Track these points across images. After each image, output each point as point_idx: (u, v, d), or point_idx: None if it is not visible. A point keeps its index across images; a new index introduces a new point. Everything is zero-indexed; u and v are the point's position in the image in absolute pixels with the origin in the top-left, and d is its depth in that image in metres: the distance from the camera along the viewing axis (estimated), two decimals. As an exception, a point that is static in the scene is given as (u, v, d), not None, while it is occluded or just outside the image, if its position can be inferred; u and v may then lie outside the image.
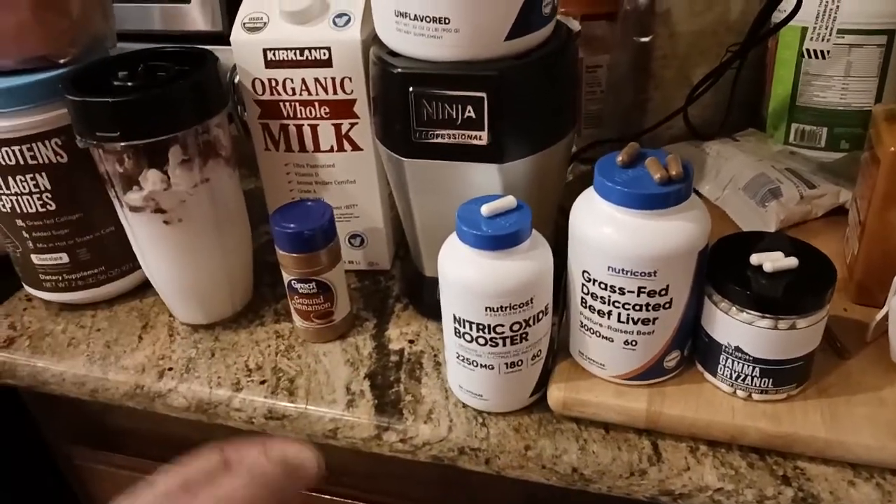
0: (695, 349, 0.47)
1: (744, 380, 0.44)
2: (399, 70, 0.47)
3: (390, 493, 0.59)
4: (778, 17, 0.64)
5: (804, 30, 0.64)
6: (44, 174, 0.55)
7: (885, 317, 0.46)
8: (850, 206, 0.57)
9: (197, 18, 0.91)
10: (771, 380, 0.44)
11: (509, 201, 0.44)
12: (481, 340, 0.45)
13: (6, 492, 0.68)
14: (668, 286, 0.42)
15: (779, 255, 0.43)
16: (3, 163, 0.54)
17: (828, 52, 0.62)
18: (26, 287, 0.62)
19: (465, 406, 0.49)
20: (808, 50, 0.64)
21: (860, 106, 0.64)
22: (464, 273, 0.44)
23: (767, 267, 0.43)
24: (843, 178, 0.61)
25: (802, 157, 0.66)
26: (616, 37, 0.72)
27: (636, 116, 0.73)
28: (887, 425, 0.43)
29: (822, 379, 0.46)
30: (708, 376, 0.47)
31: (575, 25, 0.68)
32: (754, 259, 0.43)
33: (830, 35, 0.61)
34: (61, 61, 0.55)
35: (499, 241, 0.43)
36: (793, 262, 0.43)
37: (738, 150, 0.66)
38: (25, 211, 0.56)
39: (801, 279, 0.42)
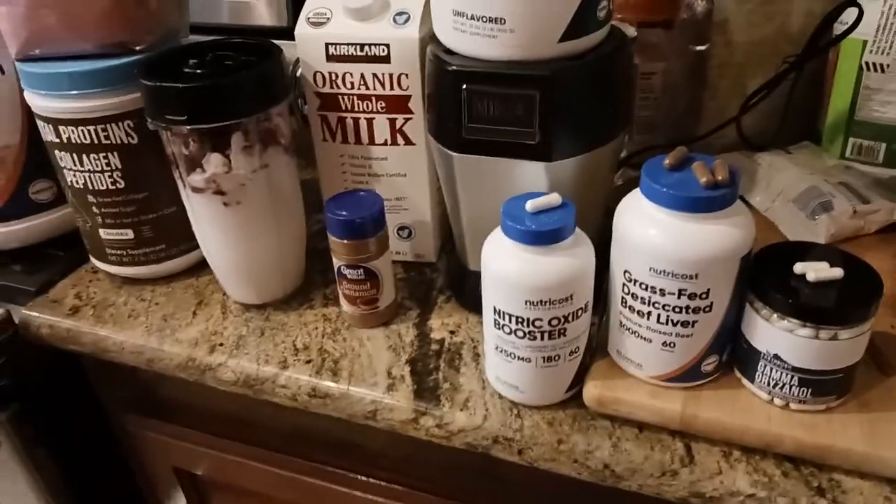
0: (733, 355, 0.47)
1: (782, 388, 0.44)
2: (454, 67, 0.48)
3: (425, 478, 0.60)
4: (839, 28, 0.63)
5: (865, 42, 0.63)
6: (115, 154, 0.59)
7: (933, 335, 0.46)
8: (905, 222, 0.56)
9: (263, 13, 0.94)
10: (809, 390, 0.44)
11: (554, 198, 0.45)
12: (520, 333, 0.46)
13: (66, 453, 0.72)
14: (708, 290, 0.43)
15: (824, 265, 0.43)
16: (80, 141, 0.58)
17: (887, 65, 0.61)
18: (93, 259, 0.66)
19: (501, 397, 0.51)
20: (867, 63, 0.63)
21: (922, 122, 0.63)
22: (506, 266, 0.45)
23: (811, 276, 0.43)
24: (901, 194, 0.60)
25: (857, 171, 0.65)
26: (672, 44, 0.72)
27: (689, 124, 0.73)
28: (928, 443, 0.42)
29: (863, 393, 0.46)
30: (745, 382, 0.47)
31: (631, 32, 0.69)
32: (798, 268, 0.43)
33: (891, 48, 0.60)
34: (137, 48, 0.58)
35: (541, 236, 0.44)
36: (838, 272, 0.43)
37: (790, 162, 0.66)
38: (97, 188, 0.60)
39: (846, 290, 0.42)
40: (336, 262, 0.56)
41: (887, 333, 0.50)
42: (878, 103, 0.65)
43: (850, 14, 0.60)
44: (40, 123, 0.59)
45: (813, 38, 0.62)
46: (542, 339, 0.46)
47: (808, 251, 0.46)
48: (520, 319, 0.46)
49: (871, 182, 0.63)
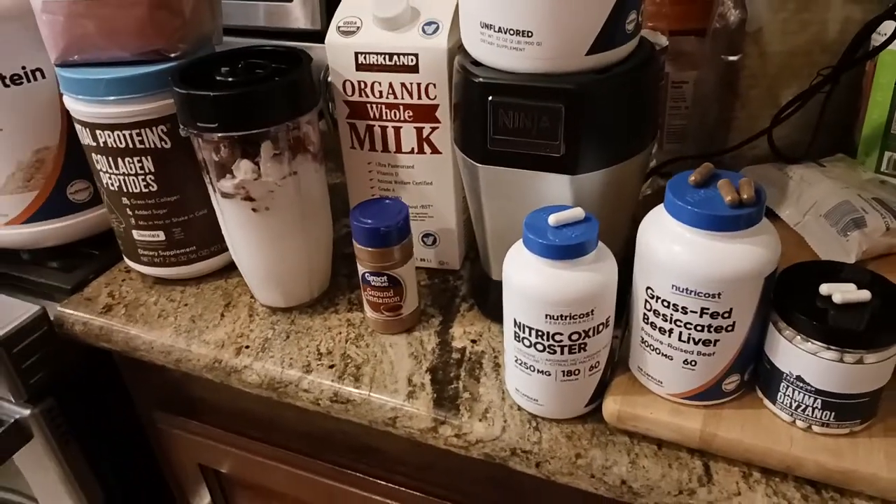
0: (756, 375, 0.47)
1: (804, 410, 0.44)
2: (480, 79, 0.48)
3: (443, 485, 0.61)
4: (877, 39, 0.62)
5: (904, 55, 0.61)
6: (149, 158, 0.60)
7: (965, 360, 0.45)
8: (940, 242, 0.55)
9: (298, 17, 0.95)
10: (833, 413, 0.43)
11: (577, 213, 0.45)
12: (539, 347, 0.46)
13: (97, 448, 0.74)
14: (731, 309, 0.42)
15: (851, 286, 0.43)
16: (115, 145, 0.59)
17: (926, 80, 0.60)
18: (126, 259, 0.68)
19: (520, 409, 0.51)
20: (906, 77, 0.61)
21: (961, 137, 0.61)
22: (527, 279, 0.45)
23: (837, 298, 0.42)
24: (936, 211, 0.59)
25: (893, 187, 0.64)
26: (704, 53, 0.71)
27: (720, 134, 0.72)
28: (955, 472, 0.41)
29: (889, 417, 0.45)
30: (767, 403, 0.46)
31: (662, 41, 0.68)
32: (824, 289, 0.43)
33: (929, 64, 0.59)
34: (172, 55, 0.60)
35: (563, 251, 0.44)
36: (865, 294, 0.42)
37: (823, 175, 0.65)
38: (131, 190, 0.61)
39: (873, 313, 0.42)
40: (361, 269, 0.57)
41: (917, 356, 0.49)
42: (916, 117, 0.63)
43: (889, 25, 0.59)
44: (78, 127, 0.61)
45: (849, 50, 0.61)
46: (562, 353, 0.46)
47: (835, 271, 0.45)
48: (540, 333, 0.46)
49: (906, 198, 0.61)
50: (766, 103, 0.68)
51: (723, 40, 0.69)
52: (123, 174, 0.61)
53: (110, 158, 0.60)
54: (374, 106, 0.59)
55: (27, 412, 0.67)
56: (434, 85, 0.57)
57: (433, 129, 0.59)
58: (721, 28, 0.68)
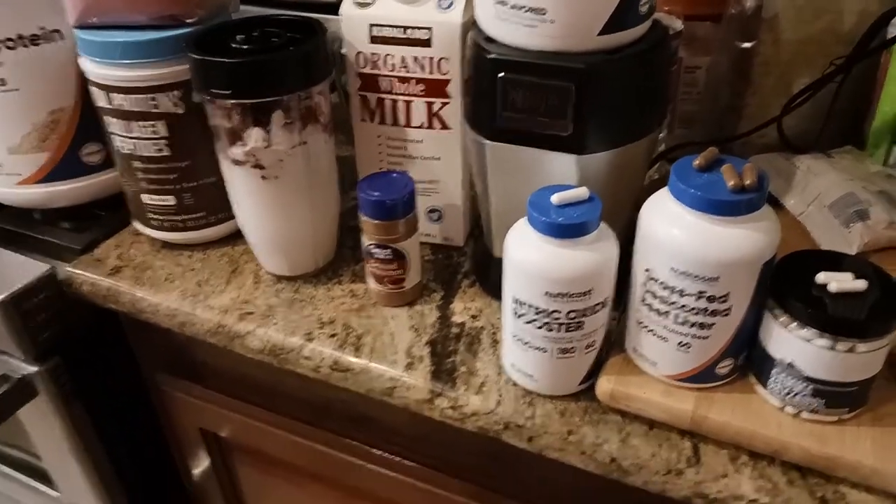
0: (749, 360, 0.48)
1: (794, 396, 0.44)
2: (492, 55, 0.49)
3: (437, 457, 0.62)
4: (892, 31, 0.62)
5: (919, 49, 0.61)
6: (163, 122, 0.61)
7: (958, 354, 0.45)
8: (942, 238, 0.55)
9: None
10: (823, 400, 0.44)
11: (581, 192, 0.46)
12: (537, 323, 0.47)
13: (101, 407, 0.76)
14: (728, 293, 0.43)
15: (848, 276, 0.43)
16: (130, 109, 0.60)
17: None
18: (135, 223, 0.69)
19: (515, 384, 0.52)
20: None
21: (972, 134, 0.61)
22: (528, 256, 0.46)
23: (833, 287, 0.42)
24: (942, 207, 0.59)
25: (901, 181, 0.64)
26: (718, 39, 0.71)
27: (731, 121, 0.72)
28: (941, 462, 0.42)
29: (879, 406, 0.45)
30: (759, 388, 0.47)
31: (677, 24, 0.68)
32: (821, 277, 0.43)
33: (942, 58, 0.59)
34: (188, 21, 0.60)
35: (565, 229, 0.44)
36: (861, 284, 0.42)
37: (830, 166, 0.65)
38: (143, 154, 0.62)
39: (868, 303, 0.42)
40: (365, 241, 0.57)
41: (912, 349, 0.50)
42: (927, 112, 0.63)
43: (904, 18, 0.58)
44: (93, 89, 0.61)
45: (863, 41, 0.61)
46: (560, 330, 0.47)
47: (833, 261, 0.45)
48: (538, 310, 0.46)
49: (913, 193, 0.61)
50: (777, 91, 0.68)
51: (738, 26, 0.68)
52: (136, 138, 0.61)
53: (124, 122, 0.61)
54: (386, 79, 0.59)
55: (34, 369, 0.69)
56: (446, 59, 0.57)
57: (444, 104, 0.59)
58: (737, 14, 0.68)
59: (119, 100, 0.60)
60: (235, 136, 0.56)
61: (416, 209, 0.57)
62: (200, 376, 0.72)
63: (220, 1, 0.63)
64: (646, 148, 0.53)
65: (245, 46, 0.55)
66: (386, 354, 0.55)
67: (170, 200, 0.64)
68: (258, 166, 0.56)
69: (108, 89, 0.60)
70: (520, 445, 0.51)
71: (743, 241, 0.42)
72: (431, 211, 0.65)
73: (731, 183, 0.41)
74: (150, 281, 0.64)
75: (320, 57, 0.56)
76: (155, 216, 0.66)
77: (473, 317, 0.58)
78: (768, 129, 0.67)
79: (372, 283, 0.60)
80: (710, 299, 0.43)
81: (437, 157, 0.62)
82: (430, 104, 0.59)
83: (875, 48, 0.61)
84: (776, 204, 0.65)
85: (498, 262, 0.58)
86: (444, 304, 0.60)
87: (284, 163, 0.56)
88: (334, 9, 0.59)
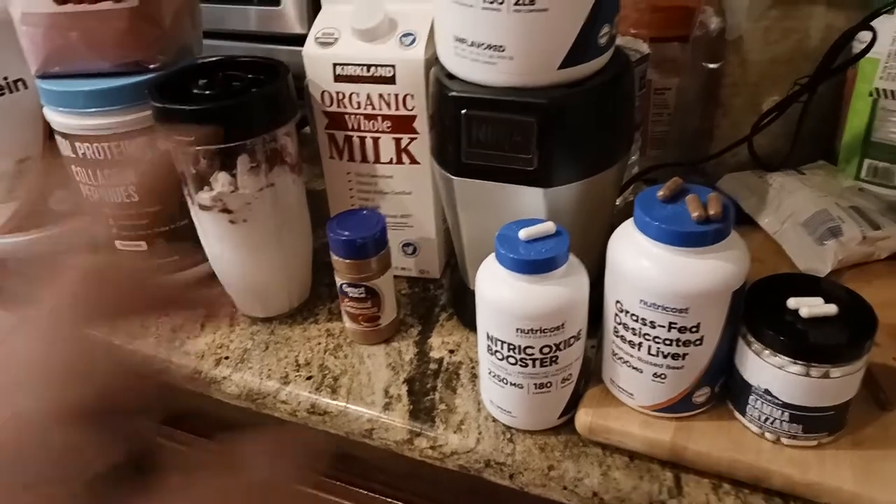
0: (727, 387, 0.47)
1: (773, 423, 0.44)
2: (454, 93, 0.49)
3: (421, 494, 0.61)
4: (857, 47, 0.62)
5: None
6: (130, 169, 0.60)
7: (933, 372, 0.45)
8: (914, 252, 0.55)
9: (288, 21, 0.95)
10: (801, 426, 0.43)
11: (548, 227, 0.46)
12: (511, 360, 0.46)
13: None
14: (699, 324, 0.43)
15: (818, 300, 0.43)
16: (95, 157, 0.60)
17: (898, 92, 0.60)
18: (109, 269, 0.68)
19: (495, 420, 0.51)
20: (878, 89, 0.61)
21: (939, 146, 0.62)
22: (498, 293, 0.45)
23: (804, 312, 0.42)
24: (914, 220, 0.59)
25: (872, 195, 0.64)
26: (687, 60, 0.71)
27: (702, 141, 0.73)
28: (921, 485, 0.41)
29: (859, 429, 0.45)
30: (737, 415, 0.46)
31: (643, 48, 0.69)
32: (791, 303, 0.43)
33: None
34: (151, 66, 0.60)
35: (533, 265, 0.44)
36: (832, 308, 0.42)
37: (802, 183, 0.65)
38: (111, 201, 0.62)
39: (839, 327, 0.42)
40: (339, 280, 0.57)
41: (889, 366, 0.49)
42: (894, 125, 0.63)
43: (867, 33, 0.59)
44: (58, 138, 0.61)
45: (826, 59, 0.61)
46: (534, 366, 0.46)
47: (806, 284, 0.45)
48: (511, 346, 0.46)
49: (884, 207, 0.62)
50: (747, 111, 0.68)
51: (704, 48, 0.69)
52: (104, 185, 0.61)
53: (90, 170, 0.60)
54: (352, 117, 0.59)
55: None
56: (412, 96, 0.57)
57: (411, 139, 0.59)
58: (702, 35, 0.68)
59: (84, 148, 0.59)
60: (202, 182, 0.55)
61: (388, 246, 0.57)
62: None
63: (183, 45, 0.62)
64: (614, 176, 0.53)
65: (207, 92, 0.55)
66: (363, 395, 0.54)
67: (142, 246, 0.64)
68: (226, 210, 0.56)
69: (72, 138, 0.59)
70: (502, 483, 0.50)
71: (710, 271, 0.41)
72: (406, 245, 0.65)
73: (695, 214, 0.41)
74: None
75: (284, 98, 0.56)
76: (127, 262, 0.65)
77: (451, 351, 0.58)
78: (741, 148, 0.67)
79: (347, 322, 0.59)
80: (682, 330, 0.43)
81: (409, 191, 0.62)
82: (398, 140, 0.59)
83: (836, 68, 0.61)
84: (751, 223, 0.65)
85: (473, 295, 0.57)
86: (422, 339, 0.59)
87: (252, 206, 0.56)
88: (303, 41, 0.59)
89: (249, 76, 0.57)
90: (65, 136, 0.60)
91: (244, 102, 0.53)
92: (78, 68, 0.60)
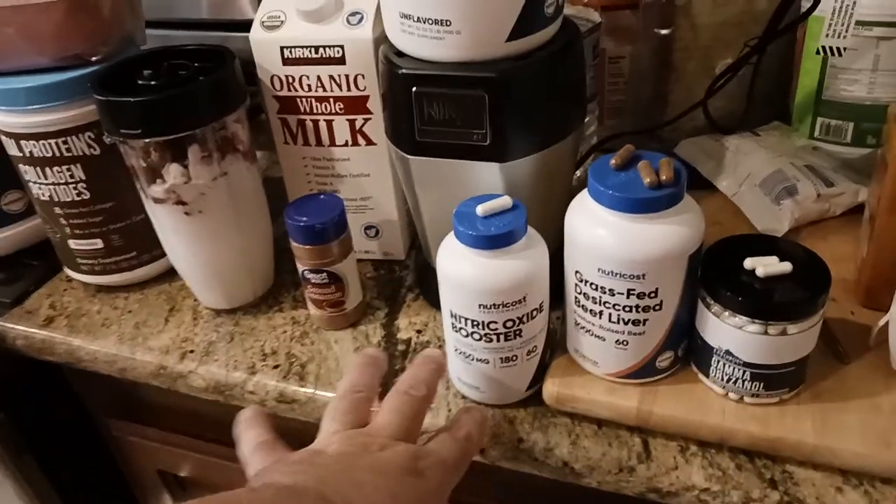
0: (690, 350, 0.48)
1: (735, 382, 0.45)
2: (403, 70, 0.48)
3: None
4: (804, 5, 0.62)
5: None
6: (78, 165, 0.59)
7: (887, 324, 0.46)
8: (866, 205, 0.56)
9: (240, 6, 0.93)
10: (762, 383, 0.44)
11: (504, 202, 0.45)
12: (476, 336, 0.46)
13: (53, 459, 0.74)
14: (657, 289, 0.43)
15: (773, 259, 0.43)
16: (41, 155, 0.58)
17: (844, 49, 0.61)
18: (66, 269, 0.67)
19: (464, 397, 0.51)
20: (824, 47, 0.62)
21: (889, 101, 0.62)
22: (459, 271, 0.45)
23: (760, 271, 0.43)
24: (866, 175, 0.60)
25: (826, 152, 0.65)
26: (639, 28, 0.71)
27: (658, 108, 0.73)
28: (879, 433, 0.42)
29: (818, 383, 0.46)
30: (702, 377, 0.47)
31: (595, 17, 0.68)
32: (748, 263, 0.43)
33: (847, 31, 0.59)
34: (93, 59, 0.58)
35: (492, 240, 0.44)
36: (786, 266, 0.43)
37: (758, 144, 0.65)
38: (62, 199, 0.60)
39: (794, 285, 0.42)
40: (300, 267, 0.56)
41: (846, 320, 0.50)
42: (844, 82, 0.64)
43: (813, -8, 0.59)
44: (3, 138, 0.59)
45: (773, 19, 0.61)
46: (499, 340, 0.46)
47: (760, 244, 0.46)
48: (475, 322, 0.46)
49: (838, 164, 0.63)
50: (700, 75, 0.68)
51: (654, 14, 0.69)
52: (53, 184, 0.59)
53: (38, 169, 0.59)
54: (303, 100, 0.58)
55: (-24, 429, 0.66)
56: (363, 76, 0.56)
57: (366, 120, 0.58)
58: (652, 2, 0.68)
59: (29, 146, 0.58)
60: (154, 174, 0.54)
61: (348, 230, 0.56)
62: (153, 417, 0.70)
63: (125, 35, 0.61)
64: (570, 147, 0.53)
65: (152, 82, 0.53)
66: (332, 380, 0.54)
67: (97, 244, 0.63)
68: (180, 202, 0.55)
69: (16, 137, 0.58)
70: (475, 459, 0.50)
71: (665, 236, 0.42)
72: (368, 228, 0.64)
73: (647, 180, 0.41)
74: (86, 328, 0.62)
75: (231, 85, 0.55)
76: (84, 261, 0.64)
77: (419, 331, 0.58)
78: (696, 113, 0.68)
79: (312, 309, 0.59)
80: (640, 296, 0.43)
81: (367, 173, 0.61)
82: (352, 121, 0.58)
83: (786, 26, 0.61)
84: (710, 186, 0.66)
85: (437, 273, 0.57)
86: (389, 321, 0.59)
87: (207, 196, 0.55)
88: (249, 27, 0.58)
89: (196, 64, 0.56)
90: (9, 135, 0.58)
91: (190, 91, 0.52)
92: (17, 64, 0.58)
